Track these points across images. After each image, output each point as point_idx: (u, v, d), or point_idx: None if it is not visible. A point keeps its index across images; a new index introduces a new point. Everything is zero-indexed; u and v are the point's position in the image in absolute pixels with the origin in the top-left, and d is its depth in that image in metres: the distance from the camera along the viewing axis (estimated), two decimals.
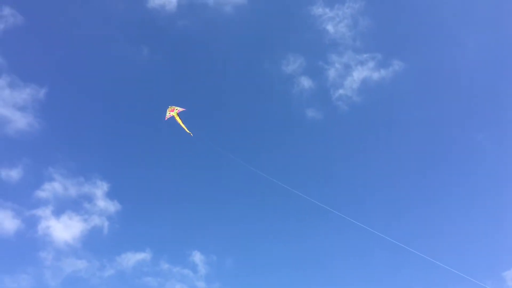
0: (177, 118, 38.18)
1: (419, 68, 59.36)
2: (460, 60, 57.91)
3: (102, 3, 59.30)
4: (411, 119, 57.88)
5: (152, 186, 55.16)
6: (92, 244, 49.46)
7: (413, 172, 55.34)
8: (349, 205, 53.47)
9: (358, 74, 58.29)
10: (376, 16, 60.08)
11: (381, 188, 55.27)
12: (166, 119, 38.30)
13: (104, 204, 51.17)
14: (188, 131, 37.89)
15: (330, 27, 59.27)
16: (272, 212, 54.26)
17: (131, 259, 48.88)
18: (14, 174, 49.98)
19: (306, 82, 58.71)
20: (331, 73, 58.82)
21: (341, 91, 57.99)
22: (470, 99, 56.46)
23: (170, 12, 58.29)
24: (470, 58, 57.32)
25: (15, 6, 54.49)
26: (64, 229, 48.99)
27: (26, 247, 48.03)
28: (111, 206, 51.20)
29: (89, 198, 51.19)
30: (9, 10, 54.01)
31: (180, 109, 38.32)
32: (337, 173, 56.90)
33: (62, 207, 50.03)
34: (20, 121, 51.96)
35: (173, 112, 38.07)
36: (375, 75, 57.92)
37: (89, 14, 58.76)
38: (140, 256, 49.15)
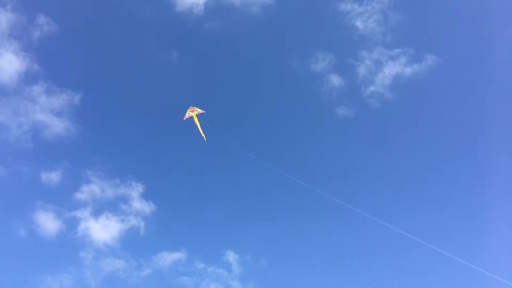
0: (196, 120, 38.04)
1: (454, 61, 57.58)
2: (498, 51, 55.48)
3: (131, 9, 60.28)
4: (447, 115, 56.52)
5: (185, 186, 55.99)
6: (130, 244, 50.48)
7: (450, 170, 53.91)
8: (383, 205, 52.75)
9: (390, 70, 57.18)
10: (406, 9, 58.92)
11: (418, 187, 54.04)
12: (184, 119, 38.22)
13: (140, 205, 52.13)
14: (203, 135, 37.80)
15: (359, 23, 58.49)
16: (306, 211, 53.99)
17: (167, 258, 49.64)
18: (54, 177, 51.44)
19: (335, 80, 58.08)
20: (361, 70, 57.96)
21: (372, 88, 57.06)
22: (510, 93, 54.21)
23: (198, 15, 58.69)
24: (509, 49, 55.22)
25: (49, 14, 55.96)
26: (103, 230, 50.22)
27: (67, 247, 49.34)
28: (147, 207, 52.19)
29: (125, 199, 52.30)
30: (44, 18, 55.52)
31: (200, 111, 38.11)
32: (370, 172, 55.96)
33: (100, 208, 51.25)
34: (58, 126, 53.47)
35: (193, 113, 37.90)
36: (408, 71, 56.64)
37: (119, 20, 60.31)
38: (175, 255, 49.91)
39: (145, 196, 52.51)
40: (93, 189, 51.74)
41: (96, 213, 50.67)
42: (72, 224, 49.68)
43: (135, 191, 52.50)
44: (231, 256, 49.85)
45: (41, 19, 55.35)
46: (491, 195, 50.28)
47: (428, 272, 47.21)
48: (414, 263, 48.32)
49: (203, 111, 38.04)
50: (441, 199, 52.37)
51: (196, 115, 37.82)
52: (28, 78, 53.98)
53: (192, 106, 38.38)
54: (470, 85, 56.58)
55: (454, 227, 50.17)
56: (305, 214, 53.65)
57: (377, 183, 54.88)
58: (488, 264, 42.83)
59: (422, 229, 49.05)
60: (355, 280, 48.58)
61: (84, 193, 51.39)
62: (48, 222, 48.97)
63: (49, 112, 53.65)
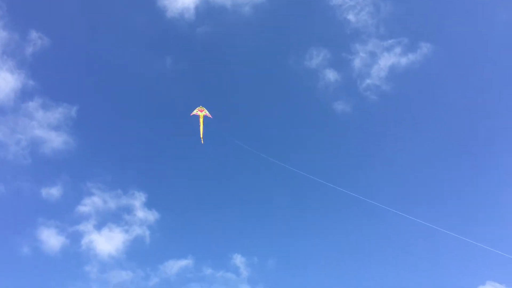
0: (201, 120, 38.66)
1: (450, 48, 57.45)
2: (494, 35, 55.71)
3: (122, 18, 60.13)
4: (446, 103, 56.31)
5: (187, 193, 55.61)
6: (135, 254, 50.16)
7: (451, 159, 53.90)
8: (388, 196, 52.61)
9: (385, 61, 57.03)
10: None
11: (419, 176, 54.10)
12: (191, 114, 38.79)
13: (143, 214, 51.71)
14: (201, 136, 38.43)
15: (351, 17, 58.38)
16: (310, 208, 54.02)
17: (174, 266, 49.25)
18: (54, 192, 50.87)
19: (331, 75, 57.87)
20: (356, 63, 57.86)
21: (368, 81, 56.96)
22: (508, 78, 53.99)
23: (190, 20, 58.53)
24: (506, 32, 54.89)
25: (40, 28, 55.72)
26: (107, 242, 49.66)
27: (72, 262, 48.70)
28: (150, 216, 51.74)
29: (128, 210, 51.85)
30: (36, 33, 55.22)
31: (208, 114, 38.83)
32: (372, 164, 55.92)
33: (103, 220, 50.77)
34: (56, 140, 53.03)
35: (201, 112, 38.60)
36: (403, 61, 56.52)
37: (110, 29, 59.93)
38: (182, 262, 49.51)
39: (148, 205, 52.22)
40: (95, 201, 51.37)
41: (100, 226, 50.32)
42: (75, 238, 49.29)
43: (137, 200, 52.18)
44: (238, 259, 49.70)
45: (33, 34, 55.21)
46: (493, 178, 51.32)
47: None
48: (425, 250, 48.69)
49: (210, 116, 38.85)
50: (445, 185, 53.00)
51: (203, 116, 38.60)
52: (24, 95, 53.76)
53: (202, 106, 39.07)
54: (468, 70, 56.58)
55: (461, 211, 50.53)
56: (310, 212, 53.72)
57: (381, 177, 54.97)
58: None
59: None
60: (363, 276, 48.76)
61: (86, 206, 50.99)
62: (51, 238, 48.63)
63: (46, 127, 53.47)
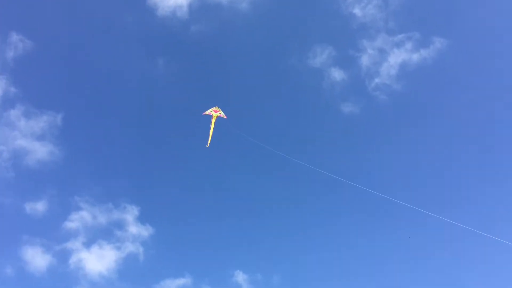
0: (213, 121, 38.46)
1: (466, 42, 56.27)
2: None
3: (110, 18, 58.43)
4: (461, 102, 54.90)
5: (183, 206, 54.31)
6: (129, 273, 48.95)
7: (465, 161, 52.56)
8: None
9: (395, 58, 56.25)
10: None
11: (432, 179, 52.45)
12: (204, 113, 38.74)
13: (136, 229, 50.67)
14: (209, 139, 38.15)
15: (357, 11, 57.74)
16: (316, 220, 52.79)
17: (171, 286, 48.03)
18: (39, 207, 49.56)
19: (337, 74, 56.96)
20: (364, 60, 56.96)
21: (377, 80, 56.13)
22: None
23: (183, 18, 57.74)
24: None
25: (21, 31, 54.50)
26: (97, 260, 48.49)
27: (60, 283, 47.34)
28: (144, 231, 50.67)
29: (120, 225, 50.88)
30: (16, 36, 54.02)
31: (223, 115, 38.73)
32: (383, 168, 54.06)
33: (92, 237, 49.73)
34: (40, 151, 51.85)
35: (215, 113, 38.55)
36: (415, 57, 55.56)
37: (97, 32, 58.47)
38: (180, 282, 48.22)
39: (141, 219, 51.22)
40: (83, 216, 50.29)
41: (89, 243, 49.30)
42: (63, 257, 48.00)
43: (130, 214, 51.10)
44: (240, 277, 48.46)
45: (14, 37, 54.05)
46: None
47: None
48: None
49: (225, 117, 38.88)
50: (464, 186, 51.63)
51: (216, 117, 38.66)
52: (5, 103, 52.54)
53: (218, 106, 39.09)
54: (485, 66, 55.00)
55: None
56: (316, 224, 52.56)
57: (393, 181, 53.39)
58: None
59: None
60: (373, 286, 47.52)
61: (74, 221, 49.92)
62: (36, 258, 47.33)
63: (29, 137, 52.22)
